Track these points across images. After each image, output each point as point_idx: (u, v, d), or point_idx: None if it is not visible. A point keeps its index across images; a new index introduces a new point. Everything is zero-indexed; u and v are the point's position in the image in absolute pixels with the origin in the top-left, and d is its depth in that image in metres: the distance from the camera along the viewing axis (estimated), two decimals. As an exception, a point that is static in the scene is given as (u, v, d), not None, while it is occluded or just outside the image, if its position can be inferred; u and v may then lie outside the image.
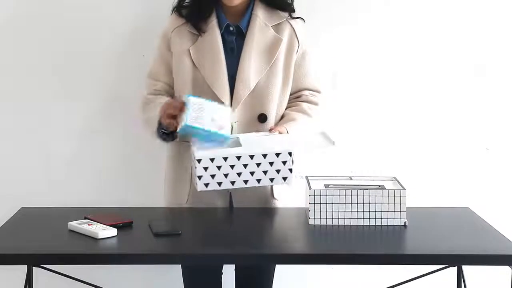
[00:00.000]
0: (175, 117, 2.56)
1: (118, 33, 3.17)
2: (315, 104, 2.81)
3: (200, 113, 2.48)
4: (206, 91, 2.70)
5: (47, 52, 3.17)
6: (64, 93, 3.20)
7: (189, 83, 2.73)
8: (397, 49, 3.22)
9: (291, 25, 2.77)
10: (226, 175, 2.44)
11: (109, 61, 3.19)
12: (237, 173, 2.44)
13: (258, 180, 2.46)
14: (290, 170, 2.46)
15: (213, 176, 2.43)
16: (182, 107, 2.53)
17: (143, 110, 2.79)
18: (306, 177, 2.66)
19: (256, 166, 2.44)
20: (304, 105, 2.79)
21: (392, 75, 3.24)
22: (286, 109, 2.80)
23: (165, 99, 2.72)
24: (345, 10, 3.20)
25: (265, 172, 2.46)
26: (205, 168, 2.42)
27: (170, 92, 2.79)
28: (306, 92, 2.82)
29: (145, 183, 3.19)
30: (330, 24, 3.19)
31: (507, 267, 2.27)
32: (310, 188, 2.51)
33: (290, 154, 2.45)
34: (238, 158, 2.43)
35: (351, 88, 3.24)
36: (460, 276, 2.71)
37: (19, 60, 3.18)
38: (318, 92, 2.85)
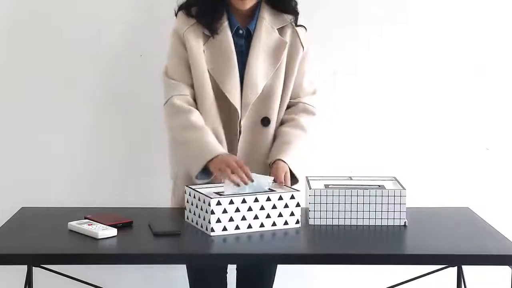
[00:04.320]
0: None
1: (117, 33, 3.17)
2: (312, 114, 2.78)
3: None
4: (217, 93, 2.68)
5: (47, 52, 3.17)
6: (64, 93, 3.20)
7: (208, 80, 2.68)
8: (397, 49, 3.22)
9: (295, 29, 2.75)
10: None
11: (109, 61, 3.18)
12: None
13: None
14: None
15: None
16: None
17: (171, 119, 2.69)
18: (306, 177, 2.66)
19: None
20: (301, 119, 2.74)
21: (392, 75, 3.24)
22: (282, 123, 2.75)
23: (195, 115, 2.65)
24: (345, 10, 3.20)
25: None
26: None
27: (191, 95, 2.70)
28: (303, 100, 2.77)
29: (145, 183, 3.19)
30: (330, 24, 3.19)
31: (507, 267, 2.27)
32: (310, 188, 2.51)
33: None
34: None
35: (351, 88, 3.24)
36: (460, 276, 2.71)
37: (19, 60, 3.18)
38: (313, 93, 2.81)
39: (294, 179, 2.68)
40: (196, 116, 2.66)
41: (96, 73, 3.19)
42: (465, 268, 2.66)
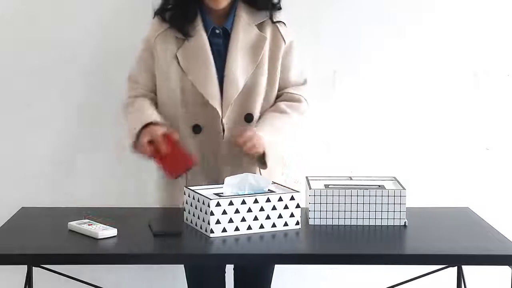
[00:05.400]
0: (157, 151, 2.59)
1: (116, 33, 3.17)
2: (297, 101, 2.77)
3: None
4: (195, 96, 2.69)
5: (47, 52, 3.17)
6: (64, 93, 3.20)
7: (178, 88, 2.71)
8: (397, 49, 3.22)
9: (274, 24, 2.74)
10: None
11: (109, 62, 3.19)
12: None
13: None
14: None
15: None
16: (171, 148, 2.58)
17: (124, 113, 2.77)
18: (306, 177, 2.66)
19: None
20: (282, 104, 2.76)
21: (393, 75, 3.24)
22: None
23: (143, 101, 2.71)
24: (345, 9, 3.20)
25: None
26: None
27: (150, 97, 2.76)
28: (289, 90, 2.78)
29: (145, 183, 3.18)
30: (330, 24, 3.19)
31: (507, 267, 2.27)
32: (310, 188, 2.51)
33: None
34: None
35: (351, 88, 3.24)
36: (460, 276, 2.71)
37: (19, 60, 3.18)
38: (302, 84, 2.82)
39: (263, 161, 2.68)
40: (137, 101, 2.73)
41: (97, 72, 3.19)
42: (465, 268, 2.67)
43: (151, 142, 2.62)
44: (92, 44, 3.18)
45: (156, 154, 2.62)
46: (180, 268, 2.91)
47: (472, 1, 3.21)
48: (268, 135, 2.67)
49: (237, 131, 2.66)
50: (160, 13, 2.73)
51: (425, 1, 3.21)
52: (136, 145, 2.66)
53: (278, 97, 2.79)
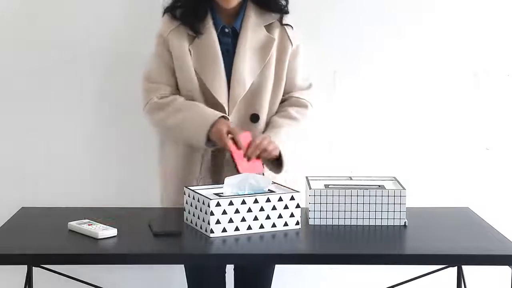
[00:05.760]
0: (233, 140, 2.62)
1: (115, 33, 3.17)
2: (304, 107, 2.80)
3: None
4: (204, 92, 2.72)
5: (47, 52, 3.17)
6: (64, 93, 3.20)
7: (195, 79, 2.72)
8: (397, 49, 3.22)
9: (282, 26, 2.77)
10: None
11: (108, 62, 3.18)
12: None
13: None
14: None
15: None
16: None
17: (156, 113, 2.74)
18: (306, 177, 2.66)
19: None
20: (291, 110, 2.77)
21: (393, 75, 3.24)
22: (275, 113, 2.79)
23: (183, 99, 2.72)
24: (346, 10, 3.20)
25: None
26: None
27: (175, 93, 2.77)
28: (295, 94, 2.81)
29: (145, 183, 3.19)
30: (330, 24, 3.19)
31: (507, 267, 2.27)
32: (310, 188, 2.51)
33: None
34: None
35: (351, 88, 3.24)
36: (460, 276, 2.71)
37: (19, 60, 3.18)
38: (308, 88, 2.84)
39: (279, 166, 2.70)
40: (182, 98, 2.72)
41: (97, 72, 3.19)
42: (465, 268, 2.67)
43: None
44: (92, 44, 3.18)
45: (233, 148, 2.62)
46: (180, 269, 2.91)
47: (472, 1, 3.21)
48: (284, 144, 2.69)
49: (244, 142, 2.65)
50: (170, 10, 2.75)
51: (425, 1, 3.21)
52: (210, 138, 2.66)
53: (283, 100, 2.81)
